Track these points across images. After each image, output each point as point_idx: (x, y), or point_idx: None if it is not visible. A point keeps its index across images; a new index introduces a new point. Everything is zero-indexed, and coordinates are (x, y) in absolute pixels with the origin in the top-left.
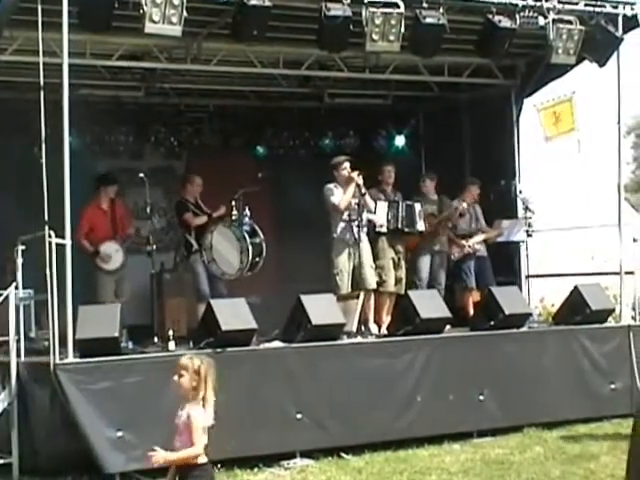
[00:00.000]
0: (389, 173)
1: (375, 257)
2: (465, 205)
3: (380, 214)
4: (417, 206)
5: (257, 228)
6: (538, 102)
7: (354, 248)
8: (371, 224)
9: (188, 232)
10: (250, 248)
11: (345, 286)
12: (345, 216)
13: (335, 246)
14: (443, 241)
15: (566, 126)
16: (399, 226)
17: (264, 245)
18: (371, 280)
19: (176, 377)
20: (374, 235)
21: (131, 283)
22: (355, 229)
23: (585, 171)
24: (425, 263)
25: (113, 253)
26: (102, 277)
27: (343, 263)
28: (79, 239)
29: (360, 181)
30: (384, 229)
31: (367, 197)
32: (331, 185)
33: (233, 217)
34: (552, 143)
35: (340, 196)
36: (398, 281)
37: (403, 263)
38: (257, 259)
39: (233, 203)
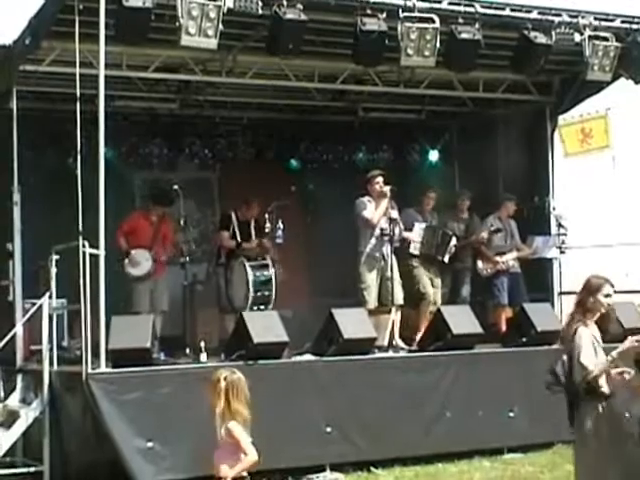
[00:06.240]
0: (430, 200)
1: (406, 275)
2: (486, 235)
3: (415, 235)
4: (453, 240)
5: (273, 280)
6: (560, 118)
7: (383, 263)
8: (405, 242)
9: (221, 245)
10: (251, 299)
11: (372, 301)
12: (377, 231)
13: (363, 261)
14: (465, 259)
15: (598, 143)
16: (432, 252)
17: (273, 296)
18: (399, 296)
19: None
20: (407, 255)
21: (169, 295)
22: (386, 245)
23: (620, 188)
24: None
25: (143, 260)
26: (136, 286)
27: (372, 278)
28: (118, 235)
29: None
30: (417, 251)
31: (395, 213)
32: (364, 199)
33: (266, 229)
34: (572, 159)
35: (372, 211)
36: (434, 299)
37: (439, 281)
38: (260, 307)
39: (267, 216)
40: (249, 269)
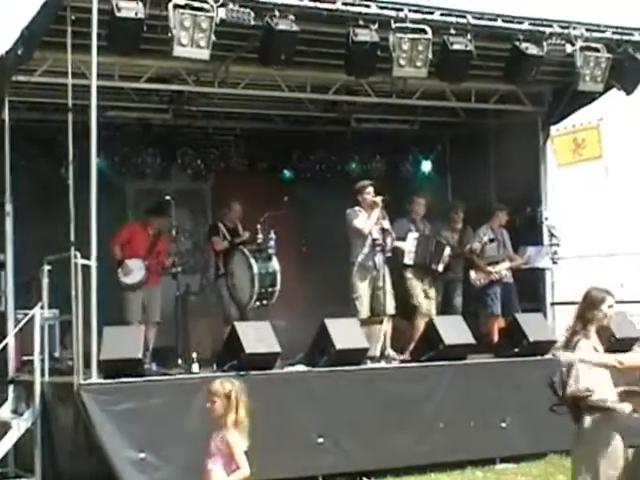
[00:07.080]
0: (419, 206)
1: (399, 287)
2: (479, 245)
3: (408, 245)
4: (447, 249)
5: (274, 257)
6: (554, 129)
7: (375, 273)
8: (399, 252)
9: (216, 255)
10: (257, 279)
11: (364, 311)
12: (368, 241)
13: (356, 271)
14: (457, 269)
15: (591, 153)
16: (426, 262)
17: (278, 275)
18: (390, 305)
19: (208, 404)
20: (400, 266)
21: (161, 306)
22: (378, 254)
23: (613, 198)
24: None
25: (136, 269)
26: (127, 294)
27: (363, 288)
28: (112, 245)
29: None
30: (411, 261)
31: (387, 223)
32: (355, 209)
33: (258, 240)
34: (565, 170)
35: (364, 220)
36: (428, 310)
37: (433, 292)
38: (269, 289)
39: (259, 226)
40: (252, 260)
